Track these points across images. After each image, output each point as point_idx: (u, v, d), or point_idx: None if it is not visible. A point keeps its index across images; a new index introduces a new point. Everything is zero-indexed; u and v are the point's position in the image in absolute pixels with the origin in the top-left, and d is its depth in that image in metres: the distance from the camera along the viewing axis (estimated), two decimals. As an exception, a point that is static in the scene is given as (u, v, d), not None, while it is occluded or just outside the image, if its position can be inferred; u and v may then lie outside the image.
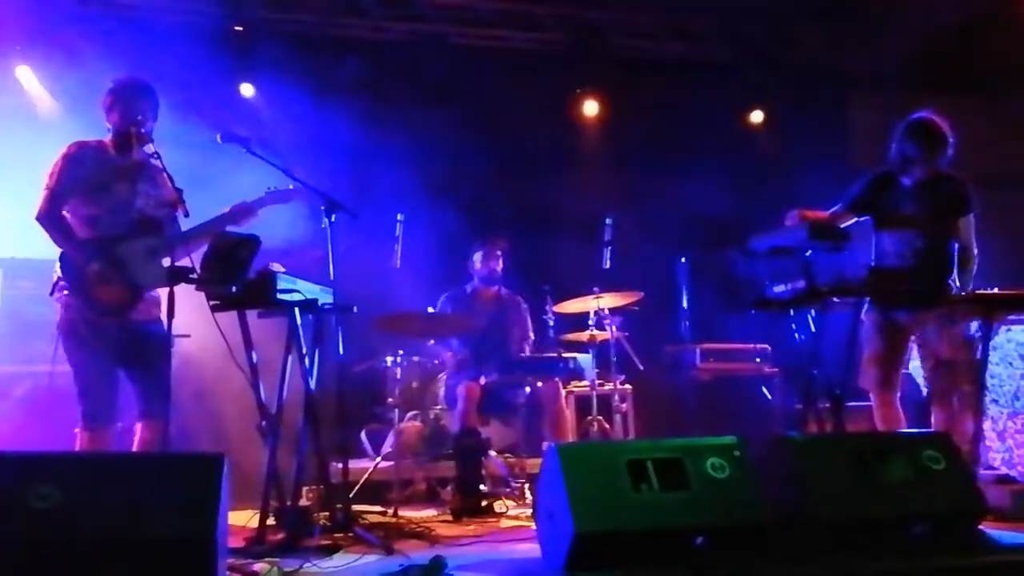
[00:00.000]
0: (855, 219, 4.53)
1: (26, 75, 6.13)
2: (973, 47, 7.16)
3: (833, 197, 4.67)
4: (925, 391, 4.34)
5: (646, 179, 7.08)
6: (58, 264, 3.90)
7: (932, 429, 4.16)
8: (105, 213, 3.95)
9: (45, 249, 3.96)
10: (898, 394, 4.43)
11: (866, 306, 4.39)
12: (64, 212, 3.94)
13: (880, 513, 3.23)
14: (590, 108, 7.67)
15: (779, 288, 4.24)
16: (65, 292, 3.88)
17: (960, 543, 3.23)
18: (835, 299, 4.18)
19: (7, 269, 5.28)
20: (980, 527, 3.34)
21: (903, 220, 4.41)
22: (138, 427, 3.96)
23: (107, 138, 4.08)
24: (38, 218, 3.91)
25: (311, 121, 6.01)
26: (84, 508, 2.74)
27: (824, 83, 7.68)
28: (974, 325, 4.41)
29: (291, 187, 4.22)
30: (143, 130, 3.94)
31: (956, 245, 4.36)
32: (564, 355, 5.64)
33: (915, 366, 4.60)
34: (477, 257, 6.03)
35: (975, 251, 4.42)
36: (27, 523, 2.69)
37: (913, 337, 4.41)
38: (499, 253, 6.01)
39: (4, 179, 5.24)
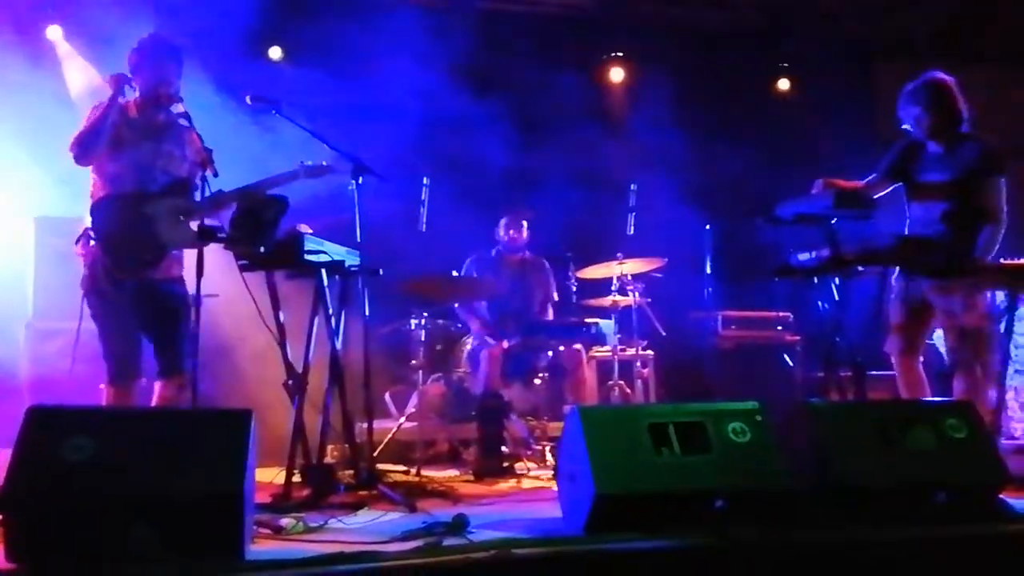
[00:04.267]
0: (890, 187, 4.44)
1: (56, 35, 6.13)
2: (1001, 16, 7.01)
3: (859, 165, 4.61)
4: (948, 360, 4.29)
5: (672, 146, 7.00)
6: (88, 216, 3.89)
7: (956, 395, 4.12)
8: (127, 171, 3.93)
9: (76, 208, 3.98)
10: (920, 359, 4.38)
11: (895, 273, 4.35)
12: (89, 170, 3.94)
13: (901, 481, 3.20)
14: (616, 74, 7.62)
15: (804, 256, 4.20)
16: (91, 242, 3.88)
17: (981, 512, 3.20)
18: (860, 267, 4.13)
19: (40, 227, 5.32)
20: (1001, 496, 3.32)
21: (928, 187, 4.33)
22: (156, 385, 3.98)
23: (132, 98, 4.03)
24: (76, 159, 3.86)
25: (336, 85, 5.99)
26: (116, 462, 2.76)
27: (851, 51, 7.57)
28: (1000, 295, 4.35)
29: (324, 162, 4.20)
30: (172, 90, 3.93)
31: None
32: (586, 320, 5.65)
33: (938, 335, 4.55)
34: (502, 225, 6.04)
35: (1002, 214, 4.18)
36: (62, 475, 2.72)
37: (936, 305, 4.35)
38: (524, 223, 6.02)
39: (36, 140, 5.26)
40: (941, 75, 4.35)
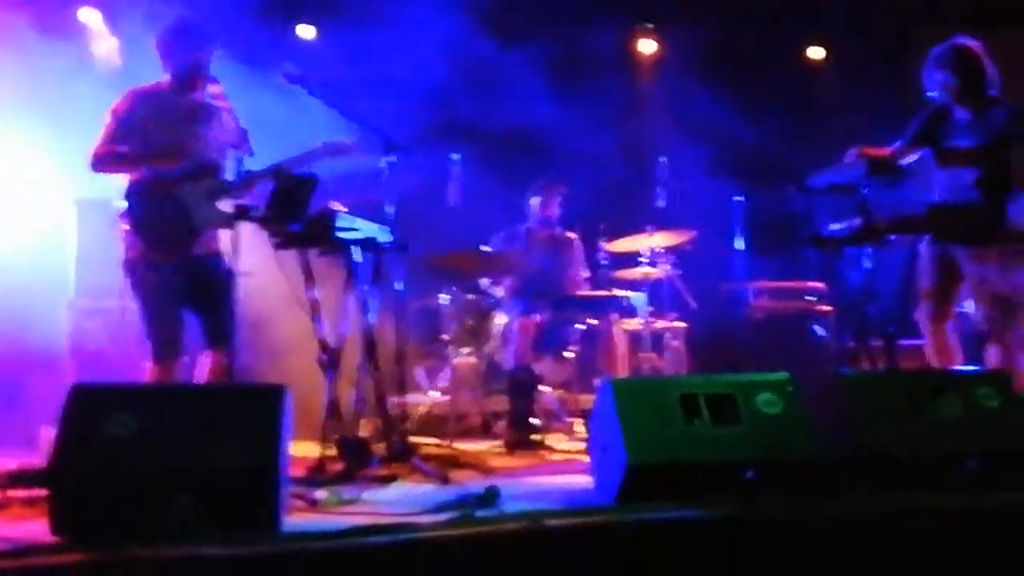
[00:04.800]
0: (916, 154, 4.39)
1: (90, 16, 6.19)
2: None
3: (892, 134, 4.55)
4: (982, 328, 4.24)
5: (701, 117, 6.95)
6: (124, 197, 3.93)
7: (988, 366, 4.08)
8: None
9: (116, 190, 4.03)
10: (951, 325, 4.33)
11: (925, 240, 4.30)
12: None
13: (933, 450, 3.18)
14: (646, 46, 7.54)
15: (835, 226, 4.17)
16: (126, 228, 3.93)
17: (1014, 480, 3.16)
18: (892, 237, 4.09)
19: (81, 209, 5.41)
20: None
21: (956, 153, 4.27)
22: (205, 356, 4.04)
23: (164, 80, 4.06)
24: (92, 168, 3.93)
25: (366, 61, 5.99)
26: (156, 437, 2.81)
27: (885, 18, 7.42)
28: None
29: (346, 140, 4.20)
30: (204, 72, 3.95)
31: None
32: (617, 293, 5.64)
33: (970, 302, 4.49)
34: (535, 202, 6.02)
35: None
36: (105, 451, 2.78)
37: (969, 273, 4.28)
38: (559, 199, 6.01)
39: (75, 121, 5.33)
40: (967, 40, 4.29)
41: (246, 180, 3.84)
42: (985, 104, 4.25)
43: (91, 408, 2.86)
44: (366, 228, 4.09)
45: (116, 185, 4.02)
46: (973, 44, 4.29)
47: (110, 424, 2.81)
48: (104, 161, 3.93)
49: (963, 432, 3.22)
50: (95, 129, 3.97)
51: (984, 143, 4.19)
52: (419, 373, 5.93)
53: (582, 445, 4.59)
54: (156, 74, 4.10)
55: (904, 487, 3.08)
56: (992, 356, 4.14)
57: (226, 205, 3.93)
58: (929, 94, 4.34)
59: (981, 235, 4.13)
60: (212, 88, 3.91)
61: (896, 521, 2.89)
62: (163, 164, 3.91)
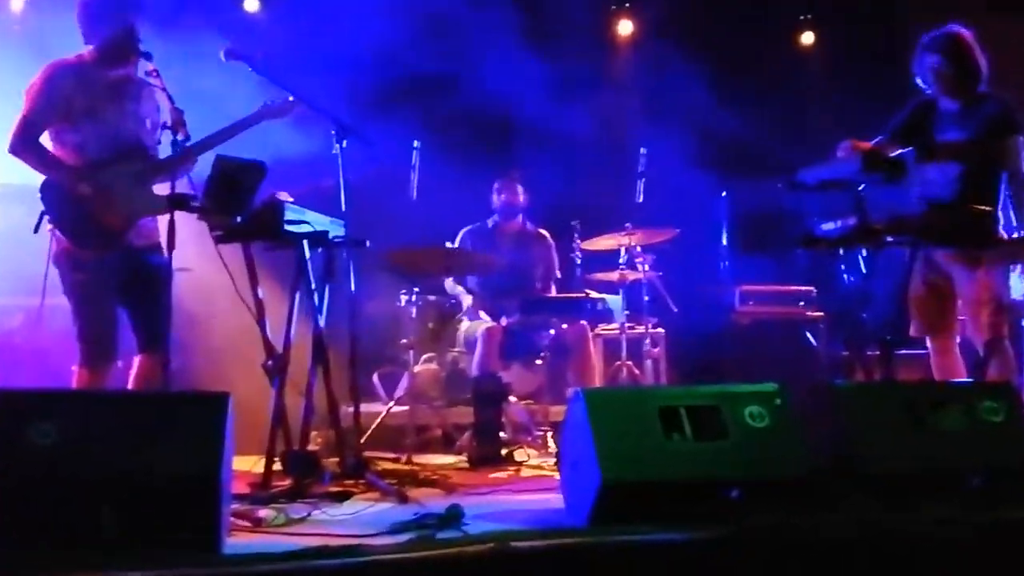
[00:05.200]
0: (899, 149, 4.45)
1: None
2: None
3: (885, 124, 4.61)
4: (978, 338, 4.30)
5: (685, 106, 7.00)
6: (39, 196, 3.87)
7: (990, 377, 4.14)
8: (92, 139, 3.91)
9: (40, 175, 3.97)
10: (956, 339, 4.39)
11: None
12: (47, 139, 3.91)
13: (932, 465, 3.22)
14: (624, 28, 7.58)
15: (828, 225, 4.20)
16: (49, 228, 3.88)
17: (1017, 496, 3.21)
18: (889, 237, 4.14)
19: (1, 196, 5.31)
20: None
21: (942, 148, 4.33)
22: (136, 360, 4.00)
23: (87, 53, 3.99)
24: (10, 150, 3.87)
25: (320, 41, 5.96)
26: (85, 446, 2.77)
27: (878, 3, 7.53)
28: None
29: (289, 98, 4.17)
30: (135, 44, 3.88)
31: (1004, 173, 4.25)
32: (592, 295, 5.66)
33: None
34: (495, 190, 6.08)
35: None
36: (28, 460, 2.74)
37: (964, 279, 4.33)
38: (517, 185, 6.04)
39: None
40: (961, 28, 4.37)
41: (181, 155, 3.77)
42: (974, 97, 4.33)
43: (13, 414, 2.81)
44: (317, 221, 4.06)
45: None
46: (966, 32, 4.37)
47: (33, 432, 2.77)
48: (22, 148, 3.87)
49: (964, 447, 3.26)
50: (13, 107, 3.90)
51: (973, 137, 4.27)
52: (375, 380, 5.91)
53: (552, 461, 4.60)
54: (70, 43, 4.02)
55: (902, 505, 3.11)
56: (995, 368, 4.19)
57: (161, 188, 3.89)
58: (917, 80, 4.41)
59: (974, 236, 4.19)
60: (146, 65, 3.85)
61: (894, 541, 2.93)
62: (67, 179, 3.86)
